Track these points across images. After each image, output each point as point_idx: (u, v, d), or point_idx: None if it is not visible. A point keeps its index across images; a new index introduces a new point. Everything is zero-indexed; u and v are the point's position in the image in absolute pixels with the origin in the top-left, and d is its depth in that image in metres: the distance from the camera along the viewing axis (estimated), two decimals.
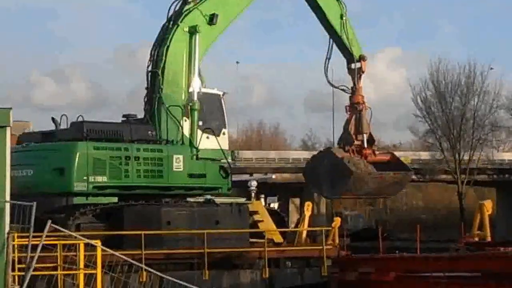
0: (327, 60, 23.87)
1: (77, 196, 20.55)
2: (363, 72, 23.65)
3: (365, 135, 22.99)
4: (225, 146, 21.88)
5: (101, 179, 19.43)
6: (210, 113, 21.69)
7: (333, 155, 22.58)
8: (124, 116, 21.52)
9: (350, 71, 23.78)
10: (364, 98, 23.43)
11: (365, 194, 23.61)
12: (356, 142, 22.90)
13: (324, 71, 23.90)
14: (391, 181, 23.18)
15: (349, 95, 23.49)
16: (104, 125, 20.53)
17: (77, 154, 19.23)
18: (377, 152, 23.47)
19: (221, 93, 22.14)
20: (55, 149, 19.69)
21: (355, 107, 23.16)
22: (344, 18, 23.59)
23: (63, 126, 20.60)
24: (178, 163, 20.61)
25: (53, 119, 20.68)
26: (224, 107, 22.09)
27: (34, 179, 19.46)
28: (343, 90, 23.74)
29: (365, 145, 22.92)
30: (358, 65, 23.57)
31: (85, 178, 19.18)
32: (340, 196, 24.00)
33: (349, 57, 23.81)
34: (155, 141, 20.68)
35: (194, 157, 21.04)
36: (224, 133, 21.88)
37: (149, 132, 20.67)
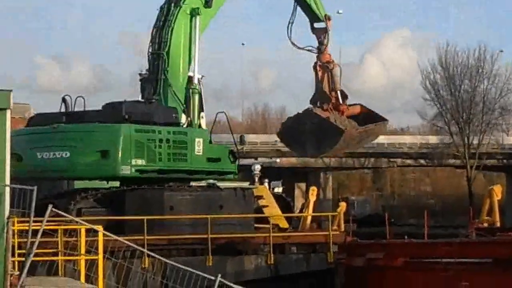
0: (290, 24, 24.03)
1: (121, 180, 20.01)
2: (328, 30, 24.12)
3: (338, 92, 23.48)
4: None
5: (141, 162, 19.10)
6: None
7: (317, 115, 22.84)
8: (146, 99, 20.89)
9: (315, 30, 24.22)
10: (332, 56, 23.97)
11: (349, 148, 24.45)
12: (332, 100, 23.42)
13: (288, 34, 24.03)
14: (370, 133, 24.16)
15: (316, 54, 23.92)
16: (139, 106, 20.05)
17: (121, 137, 18.85)
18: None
19: (199, 76, 21.79)
20: (96, 131, 19.11)
21: (326, 66, 23.61)
22: None
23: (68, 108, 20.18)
24: (199, 146, 20.40)
25: (64, 99, 20.14)
26: (202, 90, 21.70)
27: (71, 161, 18.94)
28: (309, 50, 24.12)
29: (341, 101, 23.39)
30: (324, 24, 24.04)
31: (129, 161, 18.85)
32: (324, 154, 24.68)
33: (315, 18, 24.10)
34: (177, 124, 20.35)
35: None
36: (202, 117, 21.53)
37: (173, 115, 20.35)
